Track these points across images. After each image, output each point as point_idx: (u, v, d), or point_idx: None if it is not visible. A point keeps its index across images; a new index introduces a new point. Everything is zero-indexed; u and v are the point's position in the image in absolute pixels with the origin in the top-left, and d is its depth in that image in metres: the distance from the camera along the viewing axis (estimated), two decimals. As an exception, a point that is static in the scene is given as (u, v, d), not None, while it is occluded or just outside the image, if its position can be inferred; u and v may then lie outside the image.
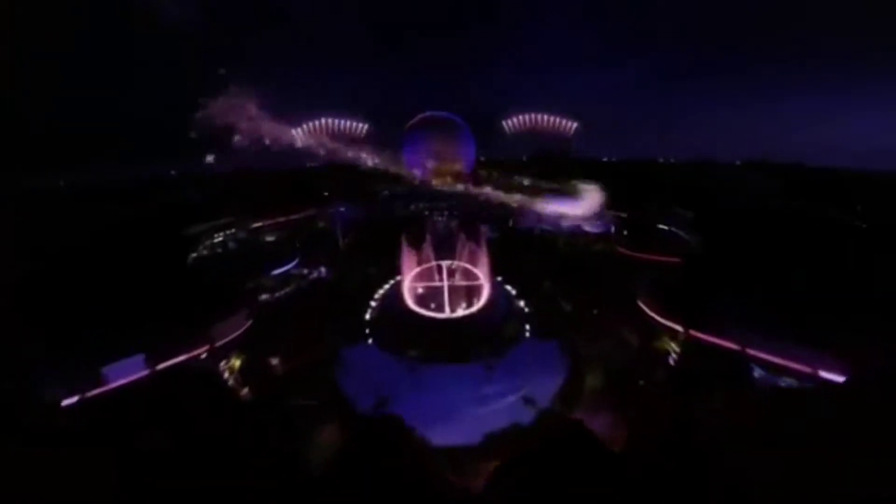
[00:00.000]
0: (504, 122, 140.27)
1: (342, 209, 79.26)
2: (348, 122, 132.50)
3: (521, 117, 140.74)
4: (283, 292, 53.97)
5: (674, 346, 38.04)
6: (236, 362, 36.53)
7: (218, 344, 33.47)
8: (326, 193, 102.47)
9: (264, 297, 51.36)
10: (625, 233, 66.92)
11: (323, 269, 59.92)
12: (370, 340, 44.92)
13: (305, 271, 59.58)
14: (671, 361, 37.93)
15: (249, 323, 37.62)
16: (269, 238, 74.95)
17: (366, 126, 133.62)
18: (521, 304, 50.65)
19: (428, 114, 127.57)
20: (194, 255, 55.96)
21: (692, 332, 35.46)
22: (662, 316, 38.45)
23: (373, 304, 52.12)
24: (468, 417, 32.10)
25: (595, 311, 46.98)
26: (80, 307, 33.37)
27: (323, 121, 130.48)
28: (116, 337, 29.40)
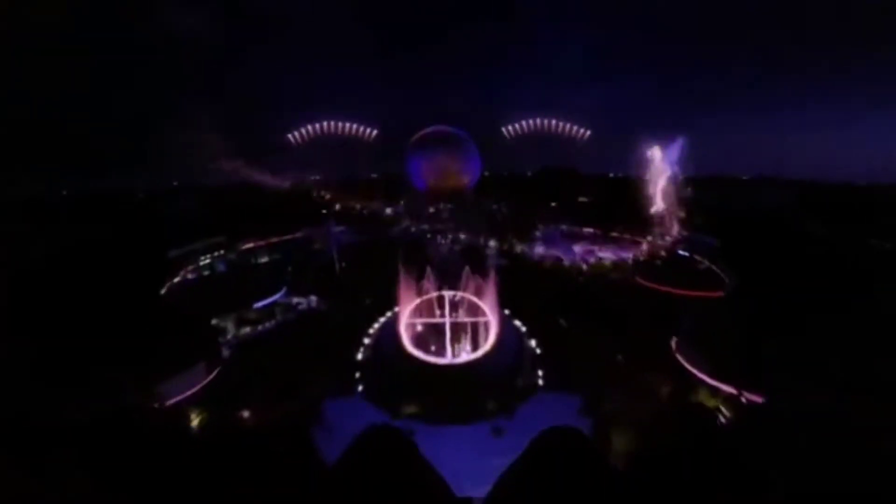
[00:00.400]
0: (504, 130, 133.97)
1: (340, 229, 74.09)
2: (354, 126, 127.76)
3: (524, 124, 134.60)
4: (264, 326, 48.29)
5: (720, 406, 31.78)
6: (196, 420, 30.74)
7: (169, 402, 27.76)
8: (325, 211, 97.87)
9: (244, 331, 45.77)
10: (641, 259, 61.06)
11: (314, 299, 54.27)
12: (360, 388, 39.05)
13: (294, 300, 53.99)
14: (717, 423, 31.63)
15: (210, 377, 31.86)
16: (261, 260, 69.94)
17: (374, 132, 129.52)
18: (533, 343, 44.66)
19: (432, 128, 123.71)
20: (172, 282, 50.67)
21: (747, 394, 29.32)
22: (708, 373, 32.30)
23: (366, 341, 46.38)
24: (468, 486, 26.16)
25: (619, 357, 40.71)
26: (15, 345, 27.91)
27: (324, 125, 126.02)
28: (39, 383, 23.95)
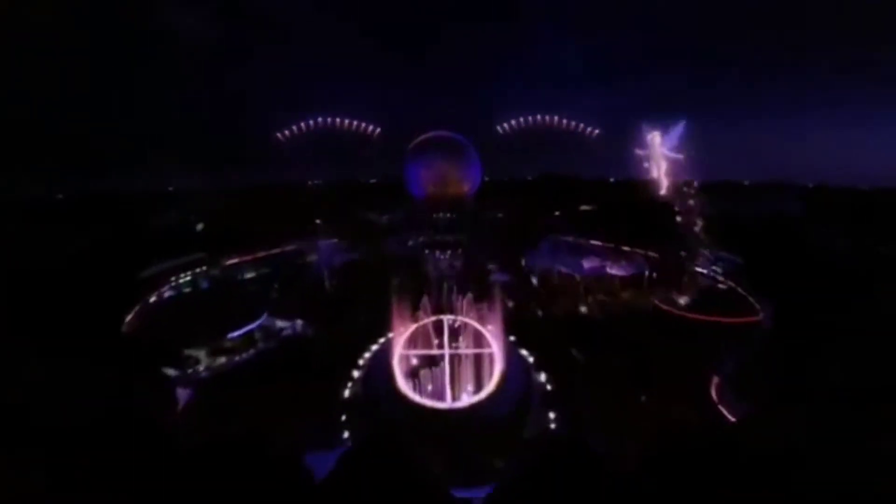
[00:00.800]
0: (499, 128, 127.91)
1: (332, 242, 69.04)
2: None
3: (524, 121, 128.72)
4: (241, 357, 43.28)
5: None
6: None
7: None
8: (319, 220, 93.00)
9: (218, 361, 40.73)
10: (657, 277, 55.93)
11: (299, 323, 49.24)
12: (346, 434, 34.04)
13: (278, 324, 49.00)
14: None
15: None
16: (248, 275, 64.89)
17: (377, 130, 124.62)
18: (543, 378, 39.69)
19: (431, 134, 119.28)
20: (137, 308, 45.64)
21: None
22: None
23: (355, 374, 41.42)
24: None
25: (643, 399, 35.60)
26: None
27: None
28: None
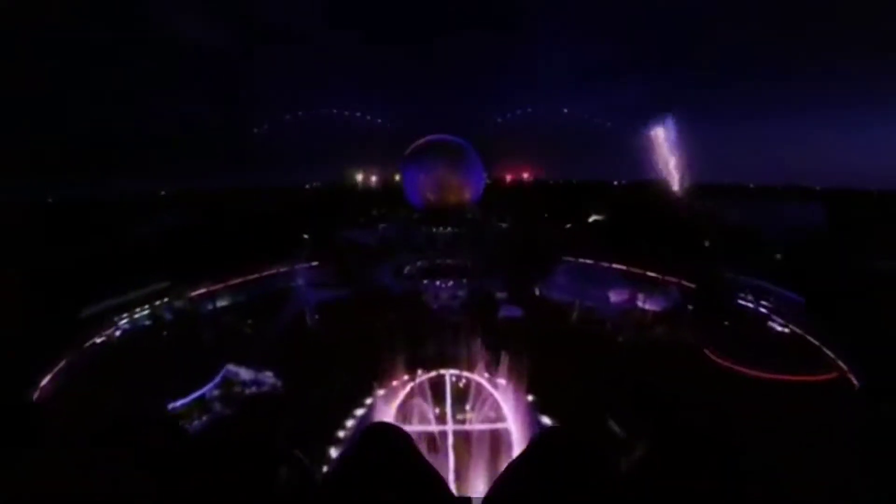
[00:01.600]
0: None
1: (315, 273, 59.75)
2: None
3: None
4: (193, 424, 34.45)
5: None
6: None
7: None
8: (306, 236, 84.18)
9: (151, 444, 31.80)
10: (695, 312, 47.14)
11: (269, 376, 40.42)
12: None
13: (241, 377, 40.16)
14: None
15: None
16: (218, 305, 55.77)
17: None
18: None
19: (429, 137, 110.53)
20: (61, 364, 36.64)
21: None
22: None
23: (333, 453, 32.63)
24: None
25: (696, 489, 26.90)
26: None
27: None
28: None
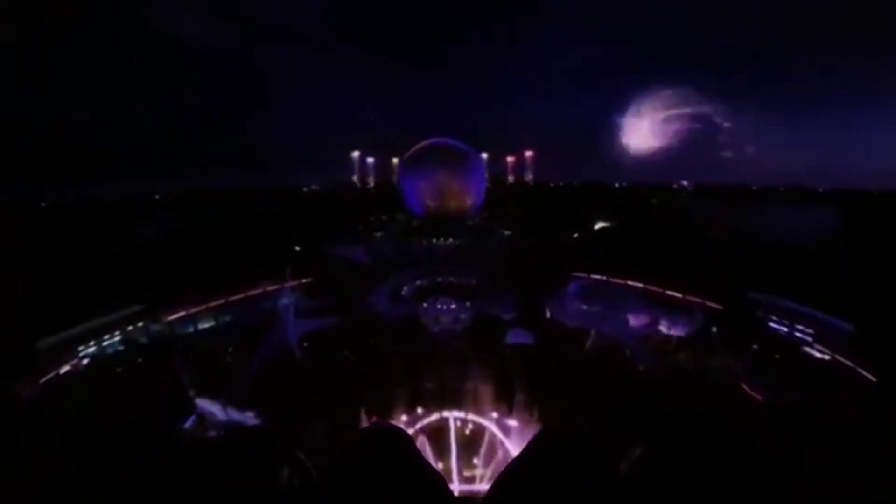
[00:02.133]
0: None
1: (304, 294, 54.84)
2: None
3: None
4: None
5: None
6: None
7: None
8: (298, 248, 79.55)
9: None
10: (723, 338, 42.55)
11: (250, 416, 35.80)
12: None
13: (218, 415, 35.55)
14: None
15: None
16: (199, 328, 50.85)
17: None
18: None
19: (430, 141, 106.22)
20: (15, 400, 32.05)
21: None
22: None
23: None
24: None
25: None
26: None
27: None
28: None
